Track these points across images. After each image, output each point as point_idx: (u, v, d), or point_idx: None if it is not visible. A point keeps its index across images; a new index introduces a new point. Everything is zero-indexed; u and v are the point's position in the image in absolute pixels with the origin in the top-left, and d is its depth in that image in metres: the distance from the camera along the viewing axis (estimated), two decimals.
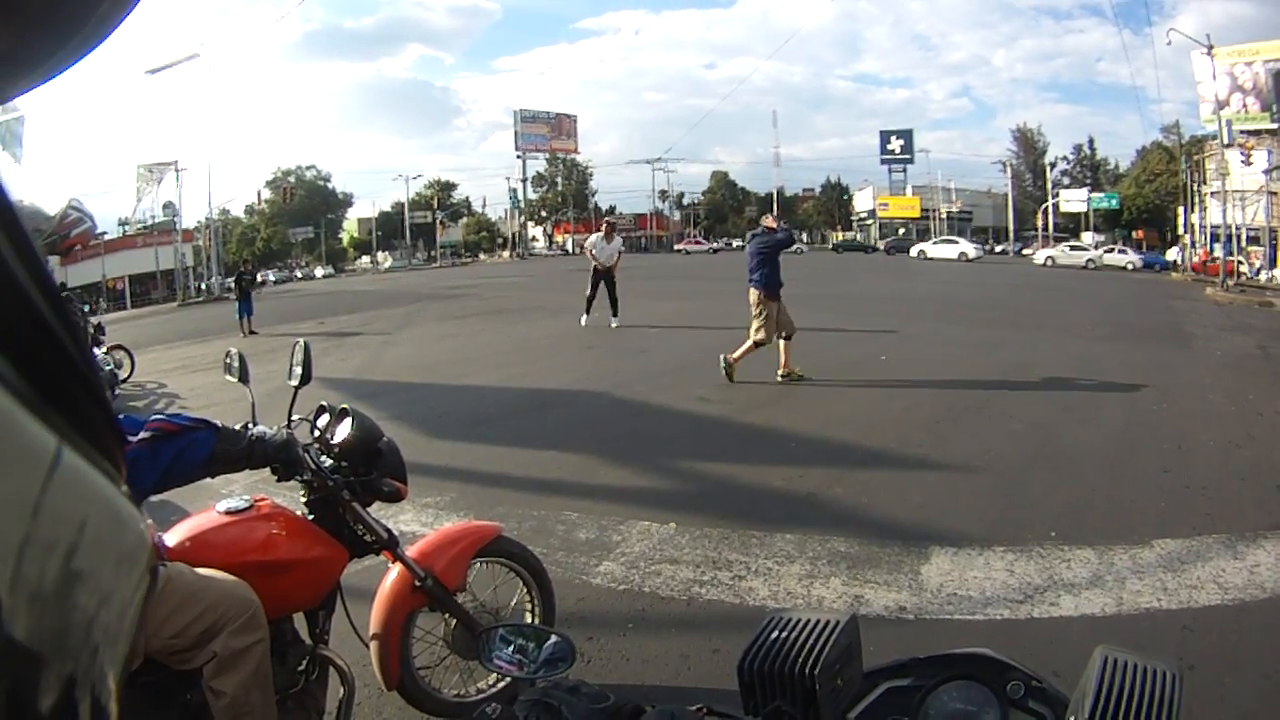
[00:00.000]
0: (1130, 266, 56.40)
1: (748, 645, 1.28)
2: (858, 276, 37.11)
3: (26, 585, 0.39)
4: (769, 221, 12.15)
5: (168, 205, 68.01)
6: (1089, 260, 57.17)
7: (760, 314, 11.29)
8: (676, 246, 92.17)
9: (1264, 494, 6.68)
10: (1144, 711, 1.04)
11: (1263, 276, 41.71)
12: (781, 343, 11.41)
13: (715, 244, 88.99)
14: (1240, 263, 39.56)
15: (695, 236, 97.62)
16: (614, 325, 17.77)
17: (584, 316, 18.41)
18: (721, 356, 11.42)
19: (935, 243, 67.20)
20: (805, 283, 31.80)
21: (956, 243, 65.01)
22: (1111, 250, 60.85)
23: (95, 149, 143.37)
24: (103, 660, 0.46)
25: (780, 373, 11.39)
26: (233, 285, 27.38)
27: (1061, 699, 1.22)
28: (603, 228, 18.68)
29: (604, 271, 17.97)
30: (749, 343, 11.38)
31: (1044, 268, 55.29)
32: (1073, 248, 62.14)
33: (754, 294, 11.34)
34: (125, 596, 0.49)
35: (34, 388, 0.41)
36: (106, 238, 65.63)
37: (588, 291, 18.22)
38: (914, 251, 67.68)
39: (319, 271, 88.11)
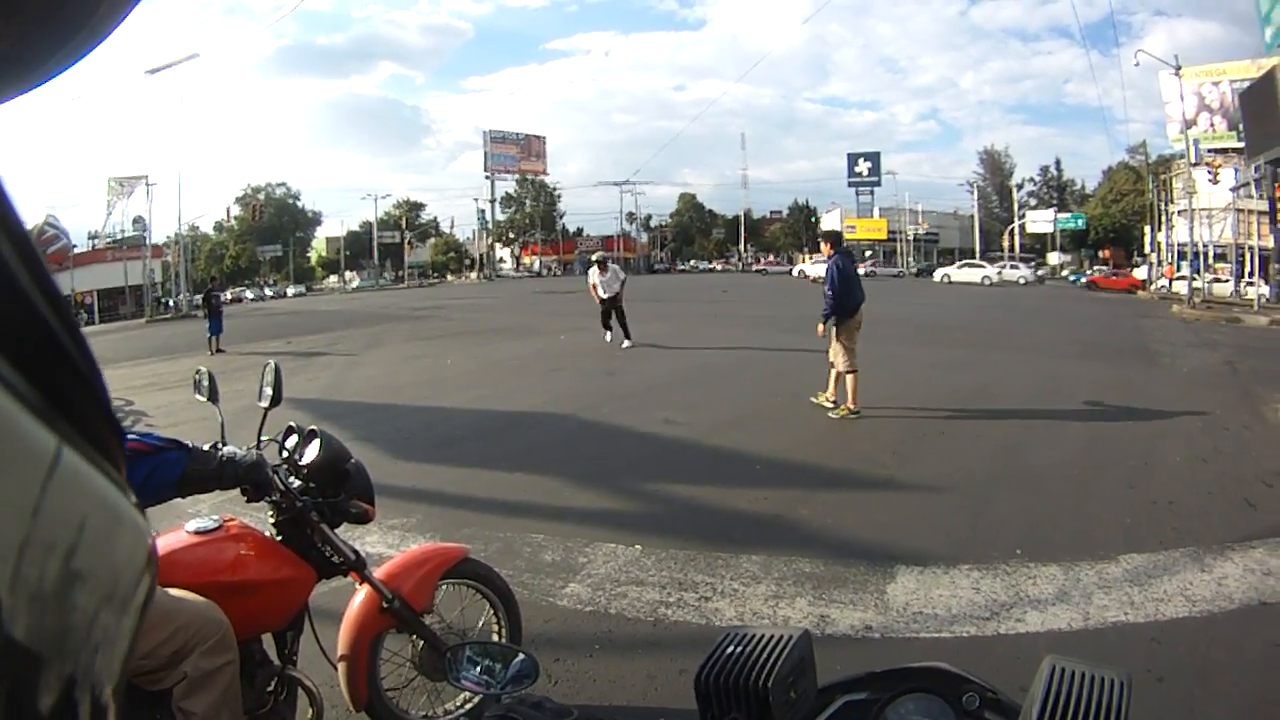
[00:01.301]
0: (1022, 280, 61.33)
1: (704, 660, 1.31)
2: (814, 299, 37.07)
3: (26, 585, 0.39)
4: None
5: (137, 220, 67.40)
6: (984, 277, 60.78)
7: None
8: (756, 267, 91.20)
9: (1231, 507, 6.79)
10: (1091, 717, 1.06)
11: (1221, 290, 42.29)
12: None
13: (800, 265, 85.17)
14: (1191, 277, 39.88)
15: (773, 257, 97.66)
16: (625, 346, 18.40)
17: (606, 334, 19.21)
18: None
19: (813, 263, 69.54)
20: (763, 305, 31.88)
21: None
22: (1005, 267, 65.36)
23: (65, 161, 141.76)
24: (103, 661, 0.46)
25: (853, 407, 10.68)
26: (200, 303, 27.17)
27: (1017, 709, 1.24)
28: (595, 264, 19.32)
29: (610, 301, 18.80)
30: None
31: (941, 284, 58.89)
32: (967, 265, 66.17)
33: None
34: (126, 596, 0.49)
35: (34, 388, 0.42)
36: (76, 251, 64.92)
37: (600, 317, 19.34)
38: (794, 271, 73.64)
39: (290, 290, 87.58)
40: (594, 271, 18.97)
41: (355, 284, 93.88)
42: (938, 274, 65.04)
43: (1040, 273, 70.05)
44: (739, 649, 1.31)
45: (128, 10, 0.55)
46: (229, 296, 61.17)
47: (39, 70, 0.54)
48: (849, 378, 10.53)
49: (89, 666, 0.45)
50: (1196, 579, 5.32)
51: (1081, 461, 8.32)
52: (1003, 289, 54.25)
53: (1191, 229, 44.24)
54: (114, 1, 0.53)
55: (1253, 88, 40.31)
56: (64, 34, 0.52)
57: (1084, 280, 61.51)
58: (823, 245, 11.34)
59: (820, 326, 10.69)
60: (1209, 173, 46.67)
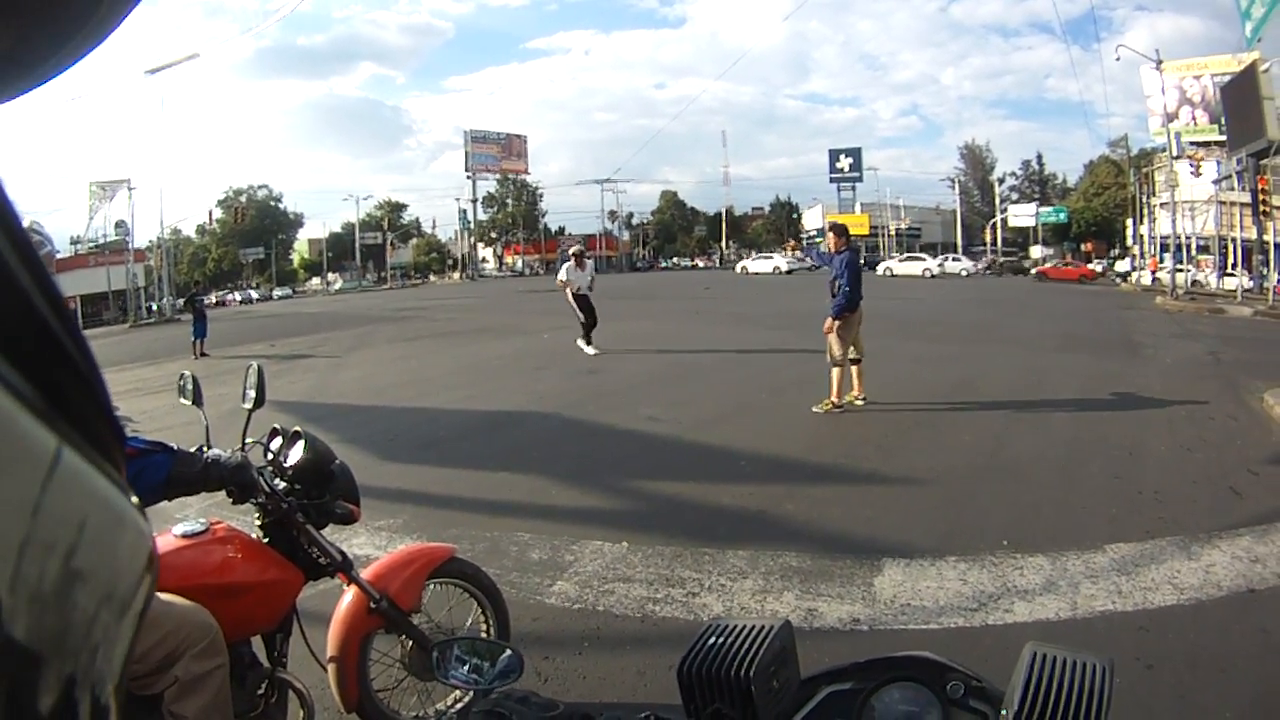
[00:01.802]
0: (964, 273, 64.75)
1: (686, 651, 1.31)
2: (795, 295, 36.98)
3: (26, 585, 0.39)
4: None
5: (120, 224, 66.79)
6: (925, 269, 63.25)
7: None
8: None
9: (1217, 496, 6.83)
10: (1072, 702, 1.07)
11: (1205, 279, 42.64)
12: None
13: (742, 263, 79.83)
14: (1174, 270, 40.01)
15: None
16: (591, 351, 17.00)
17: (587, 345, 17.21)
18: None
19: (754, 259, 74.50)
20: (745, 301, 31.89)
21: (771, 258, 70.51)
22: (947, 260, 67.96)
23: (45, 166, 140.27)
24: (103, 660, 0.46)
25: (858, 397, 10.81)
26: (184, 306, 26.96)
27: (1001, 696, 1.25)
28: (572, 257, 17.76)
29: (583, 297, 17.22)
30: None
31: (885, 277, 59.85)
32: (910, 258, 68.90)
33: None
34: (126, 596, 0.49)
35: (34, 388, 0.42)
36: (58, 257, 64.31)
37: (582, 319, 17.27)
38: (738, 268, 75.15)
39: (276, 293, 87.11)
40: (568, 267, 17.39)
41: (338, 285, 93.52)
42: (880, 268, 66.22)
43: (989, 265, 72.97)
44: (720, 640, 1.32)
45: (128, 10, 0.55)
46: (213, 300, 60.85)
47: (39, 70, 0.54)
48: (835, 371, 10.49)
49: (89, 666, 0.45)
50: (1184, 567, 5.35)
51: (1066, 452, 8.34)
52: (946, 280, 55.17)
53: (1174, 221, 44.47)
54: (114, 1, 0.54)
55: (1234, 81, 40.73)
56: (64, 34, 0.52)
57: (1034, 271, 63.63)
58: (830, 239, 11.05)
59: (829, 322, 10.57)
60: (1191, 166, 46.99)
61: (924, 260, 65.66)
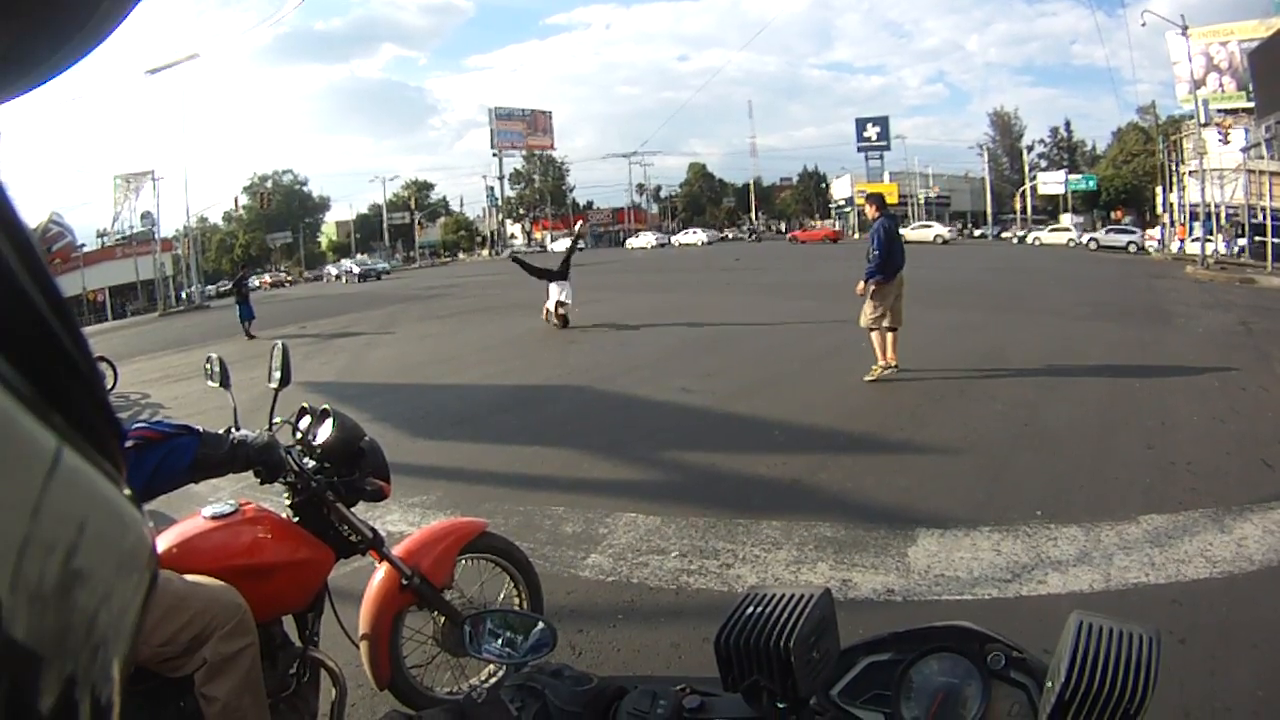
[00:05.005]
0: (701, 243, 74.97)
1: (724, 621, 1.28)
2: (825, 265, 36.75)
3: (26, 585, 0.39)
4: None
5: (145, 215, 67.70)
6: (647, 243, 73.04)
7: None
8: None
9: (1249, 467, 6.71)
10: (1120, 674, 1.04)
11: (1192, 249, 42.03)
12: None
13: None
14: (1202, 239, 39.53)
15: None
16: None
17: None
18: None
19: (914, 228, 73.67)
20: (776, 272, 31.79)
21: (931, 226, 71.37)
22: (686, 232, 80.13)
23: (71, 160, 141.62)
24: (104, 660, 0.46)
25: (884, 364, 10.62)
26: (232, 289, 27.48)
27: (1043, 668, 1.22)
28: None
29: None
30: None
31: (705, 246, 69.02)
32: (735, 225, 78.74)
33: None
34: (126, 596, 0.48)
35: (34, 388, 0.42)
36: (85, 250, 65.04)
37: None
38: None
39: (356, 268, 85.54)
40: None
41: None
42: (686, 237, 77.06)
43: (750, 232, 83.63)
44: (759, 609, 1.29)
45: (128, 10, 0.55)
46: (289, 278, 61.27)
47: (39, 70, 0.53)
48: (873, 335, 10.49)
49: (89, 666, 0.45)
50: (1216, 540, 5.28)
51: (1099, 422, 8.26)
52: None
53: (1203, 190, 43.84)
54: (114, 1, 0.53)
55: (1261, 47, 39.92)
56: (64, 34, 0.52)
57: (788, 236, 74.80)
58: (868, 208, 11.21)
59: (861, 285, 10.59)
60: (1219, 133, 46.21)
61: (651, 236, 74.97)
